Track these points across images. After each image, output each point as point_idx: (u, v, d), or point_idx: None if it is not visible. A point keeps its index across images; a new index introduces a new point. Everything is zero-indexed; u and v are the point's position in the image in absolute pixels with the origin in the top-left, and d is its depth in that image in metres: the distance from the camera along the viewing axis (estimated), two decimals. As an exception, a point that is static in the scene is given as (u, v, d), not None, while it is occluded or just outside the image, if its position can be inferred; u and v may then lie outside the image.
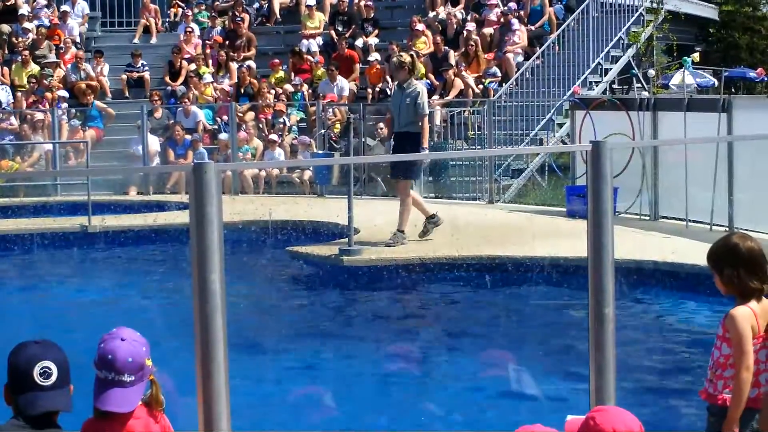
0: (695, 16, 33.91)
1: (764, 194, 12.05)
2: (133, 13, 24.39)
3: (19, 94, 20.33)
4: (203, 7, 23.02)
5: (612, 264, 3.21)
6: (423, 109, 11.80)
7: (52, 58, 21.29)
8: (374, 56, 20.42)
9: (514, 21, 20.11)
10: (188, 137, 19.03)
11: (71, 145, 19.12)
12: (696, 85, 23.70)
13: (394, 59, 12.32)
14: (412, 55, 12.35)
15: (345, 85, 19.86)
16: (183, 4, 23.53)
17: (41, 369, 3.27)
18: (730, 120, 12.45)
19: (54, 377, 3.27)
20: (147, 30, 23.04)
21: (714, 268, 4.50)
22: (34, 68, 20.84)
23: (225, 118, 19.44)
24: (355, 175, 15.94)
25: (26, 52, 20.97)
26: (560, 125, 18.94)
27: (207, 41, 21.92)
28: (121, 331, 3.48)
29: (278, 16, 23.04)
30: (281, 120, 19.31)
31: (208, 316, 2.71)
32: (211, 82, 20.52)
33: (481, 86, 19.27)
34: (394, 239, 11.88)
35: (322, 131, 18.01)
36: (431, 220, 12.16)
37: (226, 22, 22.44)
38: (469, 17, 20.82)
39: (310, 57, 21.00)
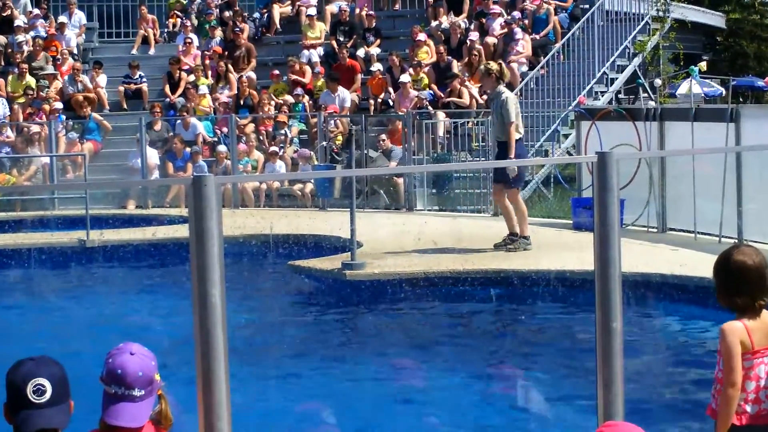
0: (702, 24, 33.94)
1: (774, 205, 12.04)
2: (131, 24, 24.47)
3: (15, 106, 20.35)
4: (212, 17, 22.98)
5: (619, 277, 3.21)
6: (508, 117, 12.05)
7: (49, 69, 21.33)
8: (376, 66, 20.44)
9: (518, 30, 20.13)
10: (187, 150, 19.05)
11: (69, 158, 19.14)
12: (703, 95, 23.74)
13: (481, 68, 12.79)
14: (500, 63, 12.73)
15: (346, 96, 19.89)
16: (182, 15, 23.56)
17: (35, 386, 3.27)
18: (738, 130, 12.45)
19: (48, 394, 3.27)
20: (145, 41, 23.08)
21: (714, 280, 4.50)
22: (30, 80, 20.88)
23: (225, 130, 19.46)
24: (358, 187, 15.96)
25: (23, 64, 21.00)
26: (566, 136, 18.94)
27: (206, 52, 21.96)
28: (129, 345, 3.49)
29: (278, 26, 23.08)
30: (282, 132, 19.33)
31: (208, 331, 2.71)
32: (207, 94, 20.53)
33: (485, 97, 19.28)
34: (517, 245, 12.12)
35: (324, 143, 18.03)
36: (516, 239, 12.23)
37: (226, 33, 22.47)
38: (472, 26, 20.86)
39: (308, 68, 21.02)
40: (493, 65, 12.49)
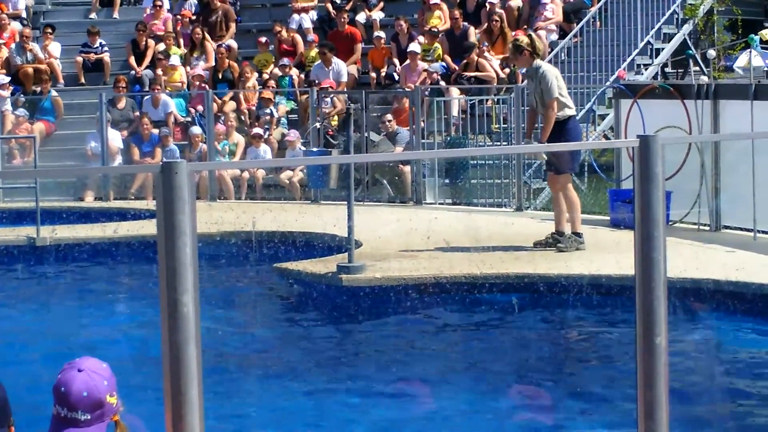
0: (764, -15, 33.86)
1: None
2: (89, -17, 24.45)
3: (-47, 79, 20.36)
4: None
5: (664, 284, 3.21)
6: (549, 93, 12.17)
7: (-7, 36, 21.35)
8: (379, 34, 20.43)
9: (547, -9, 20.16)
10: (156, 131, 19.05)
11: (16, 140, 19.14)
12: (765, 68, 23.70)
13: (510, 45, 12.90)
14: (530, 35, 12.81)
15: (343, 68, 19.88)
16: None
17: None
18: (807, 110, 12.46)
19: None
20: (107, 2, 23.06)
21: None
22: (-30, 49, 20.90)
23: (200, 108, 19.45)
24: (357, 176, 15.96)
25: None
26: (602, 117, 18.93)
27: (178, 16, 21.94)
28: (82, 360, 3.49)
29: (264, -13, 23.12)
30: (268, 111, 19.34)
31: (179, 346, 2.71)
32: (180, 65, 20.50)
33: (507, 70, 19.28)
34: (567, 243, 12.15)
35: (317, 124, 18.03)
36: (562, 238, 12.29)
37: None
38: (492, -13, 20.86)
39: (299, 35, 21.01)
40: (523, 39, 12.57)
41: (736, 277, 10.45)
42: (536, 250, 12.22)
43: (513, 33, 19.76)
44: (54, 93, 20.18)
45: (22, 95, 20.03)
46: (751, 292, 10.18)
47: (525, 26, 20.14)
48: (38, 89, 20.14)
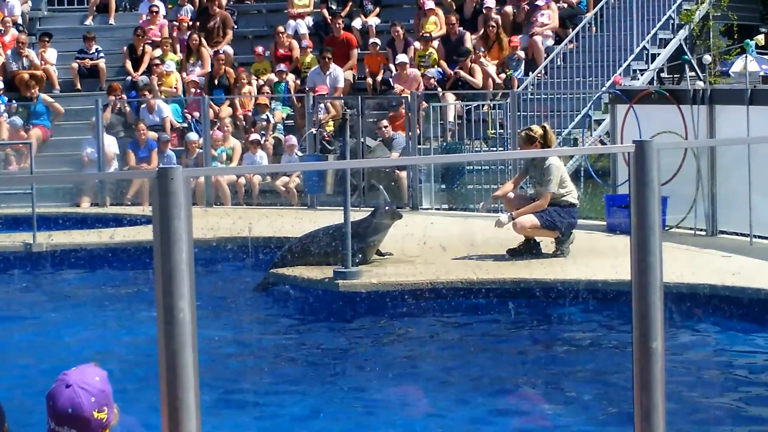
0: (760, -10, 33.88)
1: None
2: (85, -11, 24.43)
3: (-51, 86, 20.37)
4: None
5: (660, 289, 3.21)
6: (547, 186, 12.17)
7: (-11, 42, 21.34)
8: (375, 40, 20.44)
9: (543, -3, 20.18)
10: (152, 136, 19.03)
11: (12, 146, 19.12)
12: (762, 73, 23.72)
13: (522, 133, 12.80)
14: (544, 127, 12.68)
15: (339, 74, 19.89)
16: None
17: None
18: (803, 115, 12.47)
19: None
20: (102, 9, 23.05)
21: None
22: (-34, 55, 20.89)
23: (196, 114, 19.44)
24: (353, 182, 15.96)
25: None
26: (598, 122, 18.93)
27: (174, 22, 21.93)
28: (75, 372, 3.46)
29: (259, -8, 23.13)
30: (264, 116, 19.33)
31: (175, 352, 2.71)
32: (175, 71, 20.49)
33: (503, 76, 19.29)
34: (563, 248, 12.24)
35: (313, 130, 18.03)
36: (537, 246, 12.39)
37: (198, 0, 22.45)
38: (488, -7, 20.87)
39: (295, 41, 21.02)
40: (537, 130, 12.48)
41: (733, 282, 10.46)
42: (558, 256, 12.19)
43: (508, 38, 19.81)
44: (44, 96, 20.15)
45: (14, 102, 20.01)
46: (747, 297, 10.18)
47: (521, 32, 20.15)
48: (29, 94, 20.12)
